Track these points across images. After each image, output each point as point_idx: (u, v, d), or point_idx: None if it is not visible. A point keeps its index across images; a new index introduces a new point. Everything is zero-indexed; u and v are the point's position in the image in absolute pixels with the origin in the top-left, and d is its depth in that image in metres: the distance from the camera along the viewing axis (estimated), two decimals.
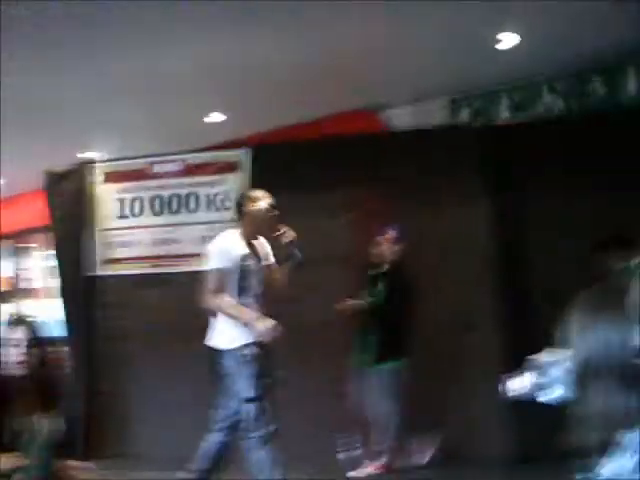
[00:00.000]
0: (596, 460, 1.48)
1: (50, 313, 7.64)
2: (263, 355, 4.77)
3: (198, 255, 7.03)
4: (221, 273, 4.81)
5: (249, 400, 4.69)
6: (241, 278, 4.86)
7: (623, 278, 1.50)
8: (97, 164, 7.71)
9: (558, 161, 6.30)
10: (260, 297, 4.96)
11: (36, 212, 8.56)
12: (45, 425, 3.74)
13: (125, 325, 7.33)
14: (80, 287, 7.49)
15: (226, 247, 4.89)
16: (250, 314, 4.81)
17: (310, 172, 6.73)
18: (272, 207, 4.96)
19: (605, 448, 1.46)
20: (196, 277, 6.97)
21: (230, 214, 6.97)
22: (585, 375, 1.52)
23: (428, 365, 6.05)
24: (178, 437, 6.74)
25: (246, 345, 4.75)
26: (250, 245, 4.97)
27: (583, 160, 6.11)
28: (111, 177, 7.55)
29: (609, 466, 1.45)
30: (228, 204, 7.06)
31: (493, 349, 6.24)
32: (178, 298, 7.01)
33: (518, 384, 1.74)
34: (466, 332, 6.39)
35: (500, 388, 2.88)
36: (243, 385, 4.71)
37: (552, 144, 6.36)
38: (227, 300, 4.82)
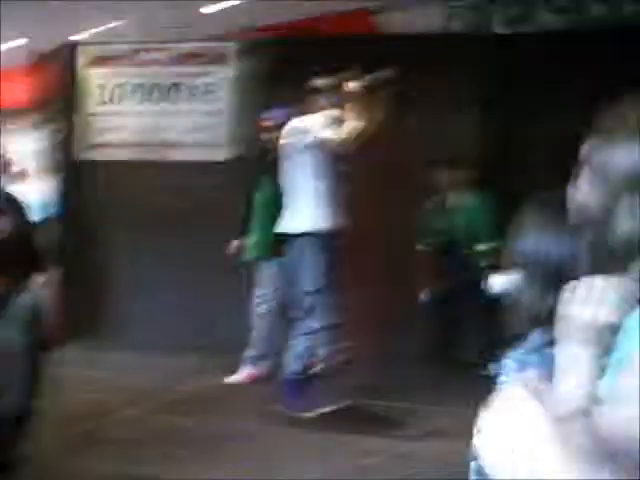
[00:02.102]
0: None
1: (37, 195, 7.59)
2: (332, 248, 4.79)
3: (179, 145, 7.10)
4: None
5: (310, 290, 4.77)
6: (315, 158, 4.83)
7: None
8: (81, 47, 7.55)
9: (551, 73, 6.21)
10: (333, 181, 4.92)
11: (22, 90, 8.43)
12: (26, 298, 3.71)
13: (106, 210, 7.33)
14: (65, 170, 7.44)
15: (311, 119, 4.88)
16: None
17: (298, 69, 6.63)
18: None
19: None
20: (176, 166, 7.08)
21: (213, 106, 6.94)
22: (524, 270, 1.57)
23: None
24: (157, 321, 6.86)
25: (314, 234, 4.76)
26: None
27: (574, 73, 6.03)
28: (95, 61, 7.40)
29: None
30: (210, 97, 7.02)
31: None
32: (158, 185, 7.01)
33: (500, 281, 1.78)
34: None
35: (483, 284, 2.94)
36: (306, 274, 4.77)
37: (546, 56, 6.26)
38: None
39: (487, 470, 1.08)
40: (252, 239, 5.91)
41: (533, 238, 1.58)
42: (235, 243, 6.00)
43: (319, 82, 5.03)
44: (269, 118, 5.85)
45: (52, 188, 7.60)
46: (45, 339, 3.82)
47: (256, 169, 6.00)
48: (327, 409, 4.91)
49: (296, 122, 4.95)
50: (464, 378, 5.41)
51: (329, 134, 4.77)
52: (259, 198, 5.89)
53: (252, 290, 5.96)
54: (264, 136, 5.85)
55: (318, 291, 4.78)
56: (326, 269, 4.78)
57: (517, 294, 1.57)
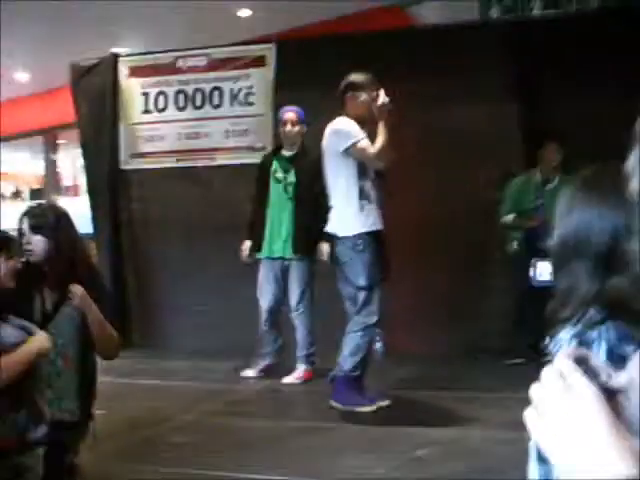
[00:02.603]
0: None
1: (81, 210, 7.70)
2: (378, 245, 4.83)
3: (223, 149, 7.16)
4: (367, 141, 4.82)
5: (360, 288, 4.80)
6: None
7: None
8: (122, 58, 7.65)
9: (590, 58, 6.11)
10: (377, 182, 4.94)
11: (66, 108, 8.55)
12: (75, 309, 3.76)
13: (151, 218, 7.43)
14: (108, 182, 7.54)
15: (352, 124, 4.87)
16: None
17: (335, 68, 6.63)
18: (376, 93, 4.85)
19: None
20: (219, 171, 7.14)
21: (253, 109, 6.97)
22: (562, 254, 1.53)
23: None
24: (201, 328, 6.95)
25: (361, 234, 4.79)
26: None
27: (615, 57, 5.93)
28: (136, 71, 7.50)
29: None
30: (252, 99, 7.07)
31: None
32: (202, 191, 7.08)
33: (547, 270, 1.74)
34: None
35: (531, 273, 2.89)
36: (356, 272, 4.80)
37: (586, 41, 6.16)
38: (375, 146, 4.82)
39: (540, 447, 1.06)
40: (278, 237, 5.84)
41: (581, 217, 1.53)
42: (247, 243, 5.94)
43: (359, 77, 4.97)
44: (291, 111, 5.90)
45: (89, 202, 7.72)
46: (94, 347, 3.85)
47: (273, 164, 5.94)
48: (383, 403, 4.91)
49: (339, 124, 4.92)
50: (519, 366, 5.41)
51: (366, 144, 4.81)
52: (276, 195, 5.87)
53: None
54: (287, 130, 5.87)
55: (368, 288, 4.80)
56: (375, 266, 4.80)
57: (565, 278, 1.52)
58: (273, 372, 5.98)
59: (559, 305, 1.51)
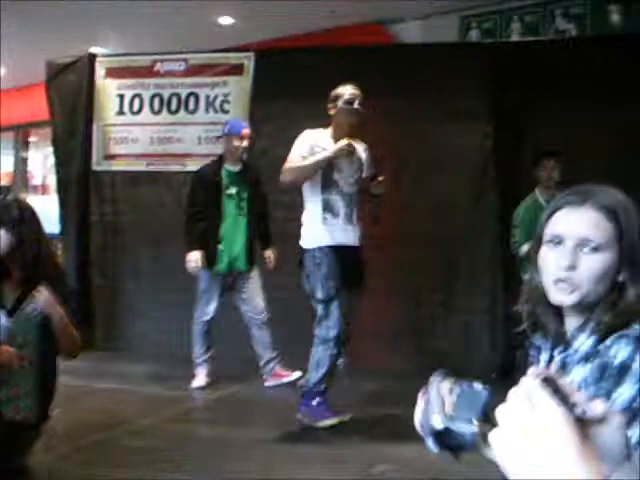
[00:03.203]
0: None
1: (50, 208, 7.61)
2: (341, 259, 4.77)
3: (195, 155, 7.11)
4: (301, 159, 4.77)
5: (318, 301, 4.78)
6: (325, 172, 4.81)
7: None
8: (99, 58, 7.59)
9: (566, 82, 6.17)
10: (349, 197, 4.88)
11: (38, 105, 8.48)
12: (38, 307, 3.68)
13: (120, 221, 7.37)
14: (78, 182, 7.47)
15: (312, 138, 4.84)
16: (325, 152, 4.76)
17: (313, 79, 6.64)
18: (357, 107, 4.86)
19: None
20: (190, 177, 7.09)
21: (229, 117, 6.94)
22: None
23: None
24: (169, 333, 6.89)
25: (321, 247, 4.77)
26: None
27: (591, 82, 5.99)
28: (113, 72, 7.45)
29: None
30: (227, 107, 7.06)
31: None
32: (174, 197, 7.04)
33: None
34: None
35: None
36: (315, 285, 4.77)
37: (562, 65, 6.23)
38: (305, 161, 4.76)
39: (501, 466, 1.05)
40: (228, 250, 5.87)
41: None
42: (197, 254, 5.83)
43: (349, 90, 4.92)
44: (246, 127, 5.97)
45: (58, 201, 7.64)
46: (57, 347, 3.78)
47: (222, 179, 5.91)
48: (344, 417, 4.89)
49: (309, 136, 4.89)
50: None
51: (294, 160, 4.80)
52: (229, 210, 5.88)
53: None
54: (244, 145, 5.88)
55: (325, 301, 4.77)
56: (332, 280, 4.76)
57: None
58: (233, 379, 5.95)
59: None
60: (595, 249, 1.48)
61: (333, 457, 4.32)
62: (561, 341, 1.54)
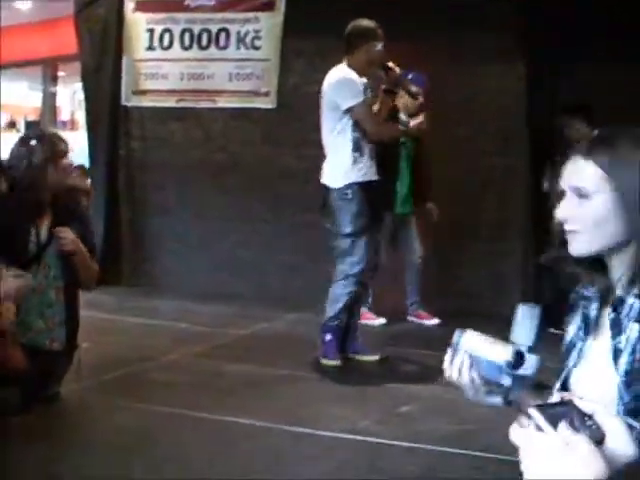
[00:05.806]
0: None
1: (79, 144, 7.61)
2: (370, 196, 4.80)
3: (226, 92, 7.05)
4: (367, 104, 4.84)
5: (345, 235, 4.79)
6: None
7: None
8: None
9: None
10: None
11: (68, 39, 8.40)
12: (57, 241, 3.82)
13: (149, 157, 7.35)
14: (108, 118, 7.44)
15: (354, 79, 4.79)
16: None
17: (345, 18, 6.52)
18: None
19: None
20: (220, 113, 7.07)
21: (260, 53, 6.86)
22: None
23: None
24: (194, 271, 6.94)
25: (350, 184, 4.77)
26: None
27: (623, 31, 5.82)
28: (142, 6, 7.35)
29: None
30: (258, 43, 6.96)
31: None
32: (204, 133, 7.00)
33: None
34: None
35: None
36: (344, 220, 4.78)
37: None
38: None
39: None
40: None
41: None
42: None
43: (371, 26, 4.87)
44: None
45: (87, 137, 7.62)
46: (79, 279, 3.92)
47: None
48: (372, 357, 4.93)
49: (343, 76, 4.81)
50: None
51: (367, 111, 4.85)
52: None
53: None
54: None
55: (352, 236, 4.78)
56: (361, 217, 4.77)
57: None
58: (262, 318, 5.97)
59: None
60: (584, 196, 1.47)
61: (359, 396, 4.36)
62: (610, 294, 1.51)
